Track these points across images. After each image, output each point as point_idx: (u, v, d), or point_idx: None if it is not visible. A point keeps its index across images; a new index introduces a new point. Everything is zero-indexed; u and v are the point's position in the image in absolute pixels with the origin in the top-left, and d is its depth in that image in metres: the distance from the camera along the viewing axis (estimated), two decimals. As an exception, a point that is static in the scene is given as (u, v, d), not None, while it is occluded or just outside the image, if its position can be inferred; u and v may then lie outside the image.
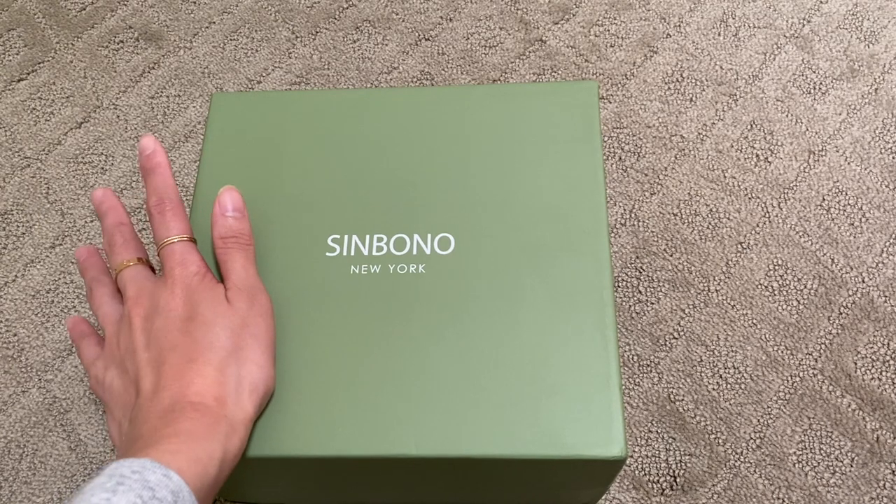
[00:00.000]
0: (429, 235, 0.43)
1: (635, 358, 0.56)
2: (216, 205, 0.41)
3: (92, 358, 0.41)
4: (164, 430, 0.33)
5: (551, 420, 0.38)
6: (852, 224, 0.60)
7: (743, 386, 0.54)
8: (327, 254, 0.43)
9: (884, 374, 0.54)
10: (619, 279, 0.58)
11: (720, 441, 0.53)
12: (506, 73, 0.68)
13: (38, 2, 0.73)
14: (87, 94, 0.68)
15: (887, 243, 0.59)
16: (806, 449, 0.52)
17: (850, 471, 0.52)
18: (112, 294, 0.41)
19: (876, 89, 0.66)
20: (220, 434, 0.34)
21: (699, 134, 0.64)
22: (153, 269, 0.42)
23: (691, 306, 0.57)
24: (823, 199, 0.61)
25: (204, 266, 0.40)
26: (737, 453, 0.52)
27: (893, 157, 0.63)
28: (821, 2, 0.70)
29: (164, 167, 0.41)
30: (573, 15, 0.71)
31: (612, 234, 0.60)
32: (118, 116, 0.67)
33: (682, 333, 0.56)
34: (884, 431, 0.53)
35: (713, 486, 0.52)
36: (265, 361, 0.38)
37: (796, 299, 0.57)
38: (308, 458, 0.38)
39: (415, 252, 0.43)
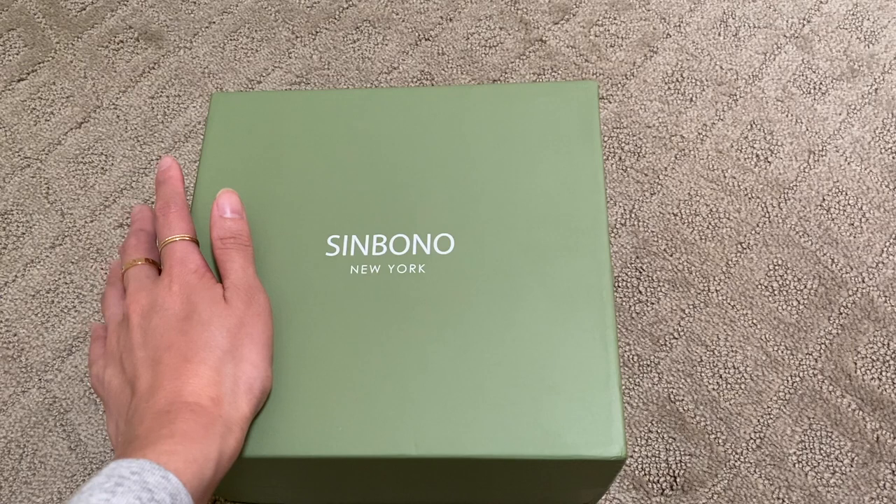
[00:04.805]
0: (429, 235, 0.43)
1: (635, 358, 0.56)
2: (214, 207, 0.42)
3: (95, 357, 0.41)
4: (160, 430, 0.33)
5: (551, 420, 0.38)
6: (852, 224, 0.60)
7: (743, 386, 0.54)
8: (327, 254, 0.43)
9: (884, 374, 0.54)
10: (619, 279, 0.58)
11: (720, 441, 0.53)
12: (506, 73, 0.68)
13: (38, 2, 0.73)
14: (87, 94, 0.68)
15: (887, 243, 0.59)
16: (806, 449, 0.52)
17: (850, 471, 0.52)
18: (121, 296, 0.42)
19: (876, 89, 0.66)
20: (216, 434, 0.34)
21: (699, 134, 0.64)
22: (160, 272, 0.42)
23: (691, 306, 0.57)
24: (823, 199, 0.61)
25: (203, 265, 0.40)
26: (737, 453, 0.52)
27: (893, 157, 0.63)
28: (821, 2, 0.70)
29: (175, 179, 0.43)
30: (573, 15, 0.70)
31: (612, 234, 0.60)
32: (118, 116, 0.67)
33: (682, 333, 0.56)
34: (884, 431, 0.53)
35: (713, 486, 0.52)
36: (261, 361, 0.38)
37: (796, 299, 0.57)
38: (307, 458, 0.38)
39: (415, 252, 0.43)
